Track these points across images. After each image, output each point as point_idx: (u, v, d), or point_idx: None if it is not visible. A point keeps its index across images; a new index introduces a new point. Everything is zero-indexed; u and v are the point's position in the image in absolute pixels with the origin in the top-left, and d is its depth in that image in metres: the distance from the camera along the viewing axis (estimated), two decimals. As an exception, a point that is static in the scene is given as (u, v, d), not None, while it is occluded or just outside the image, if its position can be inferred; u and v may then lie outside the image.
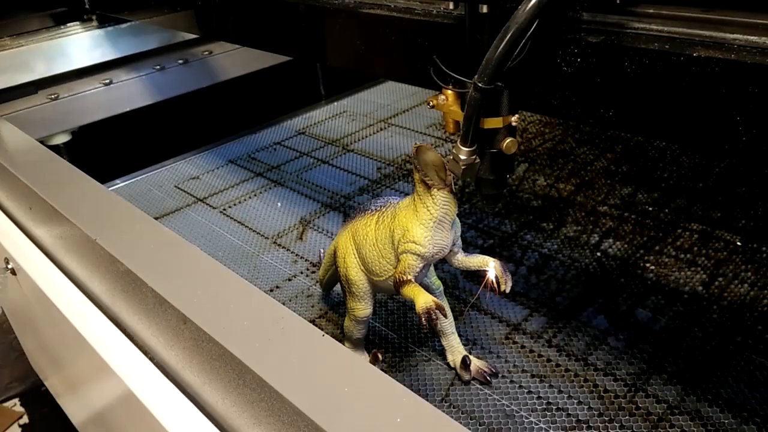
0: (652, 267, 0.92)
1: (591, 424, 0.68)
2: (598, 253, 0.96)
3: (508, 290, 0.68)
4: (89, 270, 0.78)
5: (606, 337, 0.80)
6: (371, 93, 1.66)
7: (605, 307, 0.85)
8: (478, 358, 0.77)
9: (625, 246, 0.97)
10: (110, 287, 0.73)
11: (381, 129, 1.46)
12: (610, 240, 0.98)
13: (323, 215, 1.13)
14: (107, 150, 1.52)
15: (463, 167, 0.58)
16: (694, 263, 0.92)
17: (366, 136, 1.43)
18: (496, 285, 0.68)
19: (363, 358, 0.77)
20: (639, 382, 0.73)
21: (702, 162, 1.18)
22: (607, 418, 0.69)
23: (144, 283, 0.63)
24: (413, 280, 0.65)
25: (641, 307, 0.85)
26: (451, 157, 0.59)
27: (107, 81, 1.48)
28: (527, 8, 0.47)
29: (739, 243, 0.95)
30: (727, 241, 0.96)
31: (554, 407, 0.71)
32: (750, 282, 0.87)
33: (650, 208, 1.05)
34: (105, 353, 0.69)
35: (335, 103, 1.63)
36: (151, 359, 0.66)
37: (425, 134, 1.41)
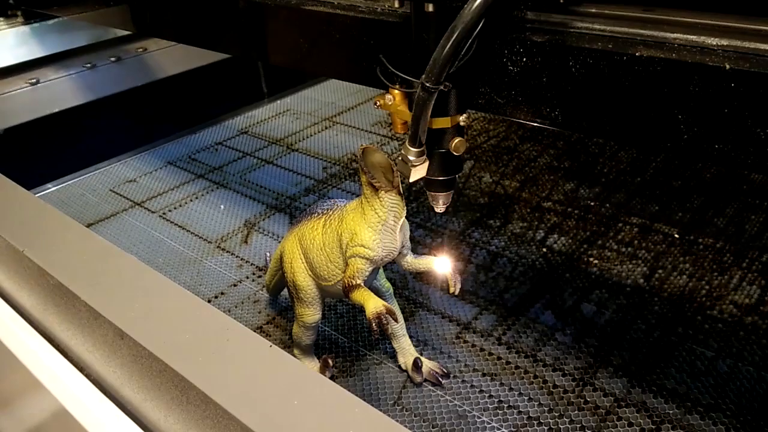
0: (596, 261, 0.94)
1: (541, 420, 0.69)
2: (544, 249, 0.97)
3: (457, 291, 0.68)
4: (17, 283, 0.73)
5: (554, 332, 0.81)
6: (315, 91, 1.64)
7: (552, 302, 0.86)
8: (430, 359, 0.77)
9: (570, 241, 0.98)
10: (41, 301, 0.69)
11: (326, 127, 1.44)
12: (555, 235, 1.00)
13: (269, 217, 1.11)
14: (35, 153, 1.45)
15: (412, 168, 0.57)
16: (635, 256, 0.94)
17: (311, 135, 1.41)
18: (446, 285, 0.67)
19: (313, 365, 0.75)
20: (586, 377, 0.74)
21: (640, 157, 1.22)
22: (557, 414, 0.70)
23: (77, 297, 0.60)
24: (362, 284, 0.64)
25: (586, 301, 0.86)
26: (400, 158, 0.58)
27: (34, 80, 1.41)
28: (473, 7, 0.46)
29: (677, 235, 0.98)
30: (665, 234, 0.99)
31: (505, 405, 0.71)
32: (688, 273, 0.90)
33: (592, 203, 1.08)
34: (37, 370, 0.65)
35: (278, 102, 1.60)
36: (87, 376, 0.63)
37: (371, 132, 1.40)
